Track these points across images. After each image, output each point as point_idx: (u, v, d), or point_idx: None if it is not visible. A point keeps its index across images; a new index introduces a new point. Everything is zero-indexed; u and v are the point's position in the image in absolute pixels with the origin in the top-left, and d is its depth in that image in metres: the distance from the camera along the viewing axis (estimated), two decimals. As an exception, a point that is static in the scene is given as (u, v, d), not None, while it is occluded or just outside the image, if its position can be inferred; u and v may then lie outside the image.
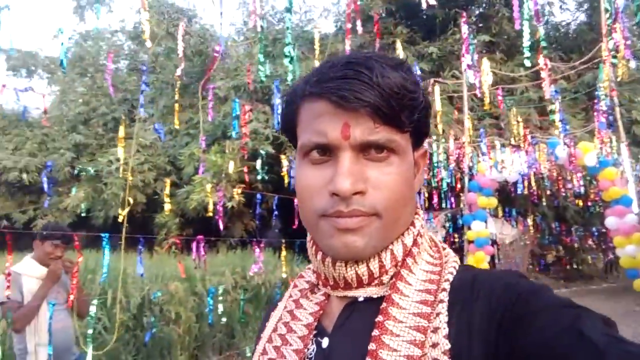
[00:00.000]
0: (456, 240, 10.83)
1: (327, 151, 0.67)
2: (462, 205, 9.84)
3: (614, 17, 4.37)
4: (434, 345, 0.61)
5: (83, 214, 13.19)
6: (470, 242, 9.25)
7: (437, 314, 0.64)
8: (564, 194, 11.85)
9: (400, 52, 4.56)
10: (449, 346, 0.60)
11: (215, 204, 5.14)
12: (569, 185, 10.73)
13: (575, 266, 15.93)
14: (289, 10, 4.18)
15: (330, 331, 0.71)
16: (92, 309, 3.69)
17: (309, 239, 0.76)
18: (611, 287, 13.59)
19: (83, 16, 20.03)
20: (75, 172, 13.99)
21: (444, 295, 0.66)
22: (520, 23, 3.70)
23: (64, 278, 3.46)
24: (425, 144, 0.80)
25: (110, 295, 5.75)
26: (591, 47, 9.41)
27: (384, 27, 14.86)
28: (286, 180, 6.96)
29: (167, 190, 4.65)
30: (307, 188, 0.68)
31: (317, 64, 4.65)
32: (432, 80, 6.94)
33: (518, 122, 8.33)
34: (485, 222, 9.51)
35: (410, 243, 0.72)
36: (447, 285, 0.67)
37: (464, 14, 4.63)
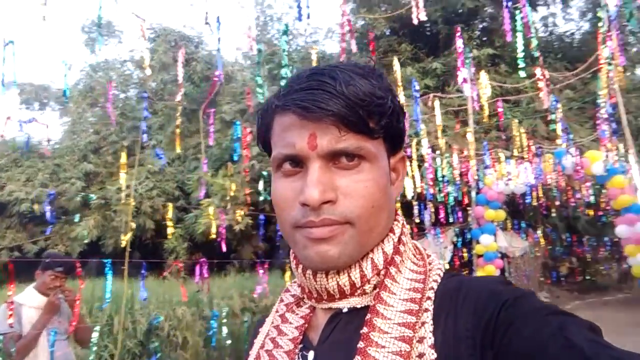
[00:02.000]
0: (465, 254, 10.71)
1: (297, 162, 0.67)
2: (470, 220, 9.75)
3: (608, 25, 4.37)
4: (420, 356, 0.60)
5: (87, 242, 13.20)
6: (479, 256, 9.15)
7: (423, 323, 0.63)
8: (574, 204, 11.65)
9: (397, 70, 4.59)
10: (434, 356, 0.60)
11: (218, 227, 5.16)
12: (578, 195, 10.56)
13: (588, 277, 15.61)
14: (285, 33, 4.29)
15: (315, 344, 0.70)
16: (94, 336, 3.67)
17: (291, 252, 0.75)
18: (626, 298, 13.35)
19: (94, 48, 20.43)
20: (87, 199, 14.15)
21: (429, 304, 0.65)
22: (511, 35, 3.73)
23: (64, 307, 3.45)
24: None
25: (116, 322, 5.75)
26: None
27: (388, 44, 15.02)
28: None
29: (169, 215, 4.67)
30: (281, 200, 0.68)
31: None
32: (431, 96, 6.95)
33: (521, 133, 8.27)
34: (494, 235, 9.41)
35: (391, 250, 0.71)
36: (431, 294, 0.67)
37: (458, 28, 4.67)
